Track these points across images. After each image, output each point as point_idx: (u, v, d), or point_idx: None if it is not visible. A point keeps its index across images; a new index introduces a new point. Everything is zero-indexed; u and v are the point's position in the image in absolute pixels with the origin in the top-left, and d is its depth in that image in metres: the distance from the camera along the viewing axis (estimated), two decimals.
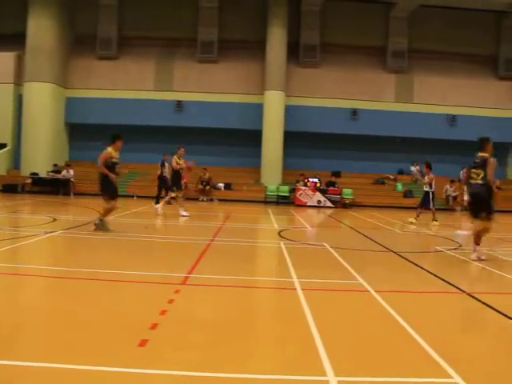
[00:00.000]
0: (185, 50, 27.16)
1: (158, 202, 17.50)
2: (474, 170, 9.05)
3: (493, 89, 28.20)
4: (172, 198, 16.37)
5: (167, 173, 17.93)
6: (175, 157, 15.57)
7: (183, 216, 15.23)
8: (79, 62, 26.91)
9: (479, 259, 8.58)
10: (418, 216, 16.11)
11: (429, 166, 16.30)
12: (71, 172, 24.35)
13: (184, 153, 15.81)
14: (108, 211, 10.59)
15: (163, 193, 17.64)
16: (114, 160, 10.44)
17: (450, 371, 3.53)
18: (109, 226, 10.51)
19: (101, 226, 10.42)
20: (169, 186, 17.56)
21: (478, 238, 8.85)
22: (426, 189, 16.29)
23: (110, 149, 10.47)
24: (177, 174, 15.56)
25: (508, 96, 28.27)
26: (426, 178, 16.24)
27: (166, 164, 18.07)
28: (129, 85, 26.56)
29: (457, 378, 3.41)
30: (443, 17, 27.58)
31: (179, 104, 26.47)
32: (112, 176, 10.30)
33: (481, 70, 28.43)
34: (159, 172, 18.26)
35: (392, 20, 27.70)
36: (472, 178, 8.99)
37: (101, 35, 26.77)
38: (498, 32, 28.39)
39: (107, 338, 3.99)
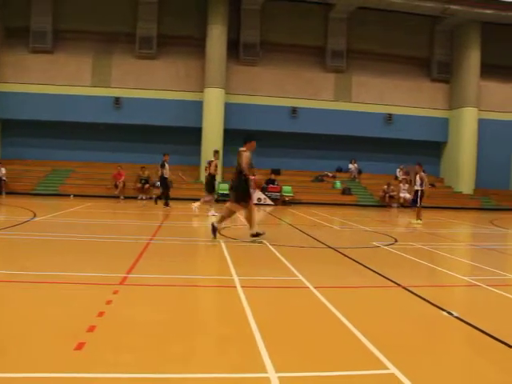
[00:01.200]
0: (123, 46, 26.55)
1: (167, 204, 18.06)
2: None
3: (426, 90, 29.25)
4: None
5: (167, 174, 18.19)
6: (215, 161, 16.02)
7: (213, 215, 15.55)
8: (11, 55, 25.72)
9: None
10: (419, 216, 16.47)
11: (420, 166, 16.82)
12: (3, 170, 23.38)
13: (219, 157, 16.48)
14: (231, 214, 10.32)
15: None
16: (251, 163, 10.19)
17: (387, 363, 3.63)
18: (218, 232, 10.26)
19: (257, 235, 10.18)
20: (168, 187, 18.30)
21: None
22: (416, 188, 16.63)
23: (248, 151, 10.09)
24: (212, 178, 16.12)
25: (440, 97, 29.39)
26: (418, 177, 16.62)
27: (166, 165, 18.04)
28: (65, 80, 25.71)
29: (393, 369, 3.51)
30: (380, 19, 28.27)
31: (118, 101, 25.91)
32: (253, 180, 10.00)
33: (415, 72, 29.41)
34: (160, 173, 18.17)
35: (331, 21, 28.13)
36: None
37: (34, 28, 25.64)
38: (432, 36, 29.44)
39: (41, 342, 3.83)
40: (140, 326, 4.37)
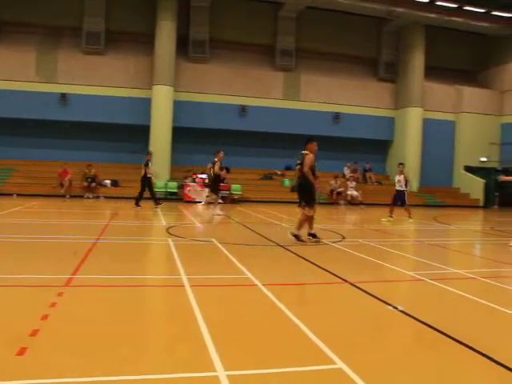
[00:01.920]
0: (69, 40, 25.84)
1: (137, 204, 17.70)
2: None
3: (373, 89, 29.91)
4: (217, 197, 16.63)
5: (150, 173, 17.90)
6: (217, 161, 15.89)
7: (218, 214, 15.97)
8: None
9: None
10: (390, 215, 16.53)
11: (403, 166, 17.14)
12: None
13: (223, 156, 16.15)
14: (310, 219, 10.13)
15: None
16: (314, 166, 10.04)
17: (334, 358, 3.68)
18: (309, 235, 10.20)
19: (298, 238, 9.97)
20: (152, 186, 18.06)
21: None
22: (399, 188, 16.68)
23: (311, 154, 10.00)
24: (217, 178, 15.99)
25: (387, 96, 30.11)
26: (402, 176, 16.75)
27: (150, 164, 17.82)
28: (7, 74, 24.66)
29: (340, 364, 3.57)
30: (329, 19, 28.71)
31: (64, 97, 25.19)
32: (316, 183, 9.93)
33: (363, 71, 30.05)
34: (143, 172, 17.85)
35: (280, 19, 28.37)
36: None
37: None
38: (379, 37, 30.18)
39: None
40: (86, 328, 4.28)
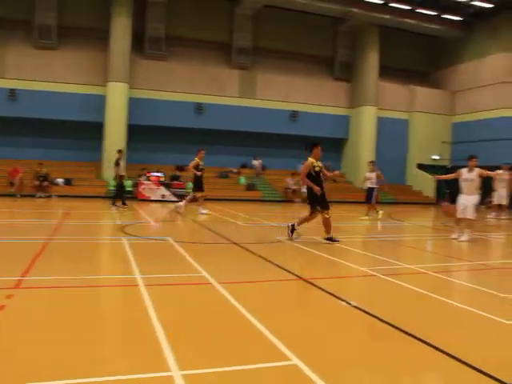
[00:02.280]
0: (19, 34, 25.08)
1: (114, 203, 17.59)
2: None
3: (329, 88, 30.29)
4: (195, 197, 16.40)
5: (120, 172, 17.70)
6: (196, 159, 15.77)
7: (203, 213, 15.78)
8: None
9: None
10: (376, 210, 16.90)
11: (374, 164, 17.40)
12: None
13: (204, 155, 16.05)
14: (328, 222, 10.16)
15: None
16: (316, 169, 10.00)
17: (289, 354, 3.71)
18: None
19: (331, 240, 10.06)
20: (123, 185, 17.98)
21: None
22: (370, 185, 16.97)
23: (310, 159, 10.00)
24: (198, 176, 15.82)
25: (342, 95, 30.56)
26: (374, 174, 17.04)
27: (121, 163, 17.62)
28: None
29: (295, 360, 3.60)
30: (286, 18, 28.93)
31: (13, 92, 24.44)
32: (315, 187, 9.87)
33: (319, 71, 30.39)
34: (114, 173, 17.78)
35: (237, 17, 28.38)
36: None
37: None
38: (335, 36, 30.59)
39: None
40: (37, 332, 4.15)
